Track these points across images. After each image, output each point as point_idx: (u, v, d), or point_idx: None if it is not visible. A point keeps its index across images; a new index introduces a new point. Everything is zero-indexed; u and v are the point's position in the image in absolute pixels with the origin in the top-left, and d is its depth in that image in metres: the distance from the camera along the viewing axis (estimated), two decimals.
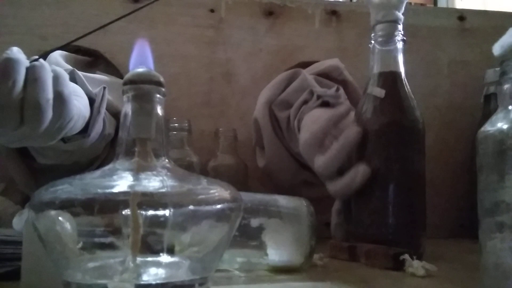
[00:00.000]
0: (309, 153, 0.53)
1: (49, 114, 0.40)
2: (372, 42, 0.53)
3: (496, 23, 0.82)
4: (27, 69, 0.39)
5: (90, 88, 0.50)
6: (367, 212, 0.50)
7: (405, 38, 0.52)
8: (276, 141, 0.65)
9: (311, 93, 0.61)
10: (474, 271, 0.33)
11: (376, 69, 0.52)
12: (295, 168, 0.64)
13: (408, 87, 0.52)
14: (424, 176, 0.51)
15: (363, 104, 0.52)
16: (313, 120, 0.55)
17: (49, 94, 0.40)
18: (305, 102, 0.61)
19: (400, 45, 0.52)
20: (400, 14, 0.52)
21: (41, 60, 0.40)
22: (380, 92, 0.50)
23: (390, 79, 0.51)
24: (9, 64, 0.37)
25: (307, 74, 0.66)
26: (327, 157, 0.51)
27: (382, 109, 0.50)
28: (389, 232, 0.49)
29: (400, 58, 0.52)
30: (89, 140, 0.49)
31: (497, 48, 0.34)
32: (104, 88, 0.50)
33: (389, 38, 0.51)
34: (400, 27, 0.52)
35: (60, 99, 0.41)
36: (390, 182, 0.49)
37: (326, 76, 0.67)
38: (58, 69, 0.42)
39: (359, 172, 0.49)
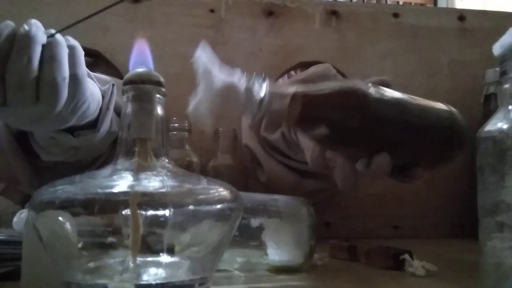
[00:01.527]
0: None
1: (64, 93, 0.40)
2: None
3: (496, 23, 0.82)
4: (43, 46, 0.39)
5: (99, 85, 0.50)
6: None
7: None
8: (271, 161, 0.64)
9: None
10: (474, 271, 0.33)
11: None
12: (296, 181, 0.64)
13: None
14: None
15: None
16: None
17: (65, 72, 0.40)
18: None
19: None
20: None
21: (58, 36, 0.40)
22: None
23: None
24: (25, 42, 0.37)
25: None
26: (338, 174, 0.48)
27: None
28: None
29: None
30: (98, 135, 0.50)
31: (497, 48, 0.34)
32: (113, 85, 0.51)
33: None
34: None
35: (74, 80, 0.41)
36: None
37: None
38: (73, 43, 0.41)
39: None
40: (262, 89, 0.40)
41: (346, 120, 0.41)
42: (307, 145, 0.50)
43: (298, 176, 0.63)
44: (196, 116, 0.40)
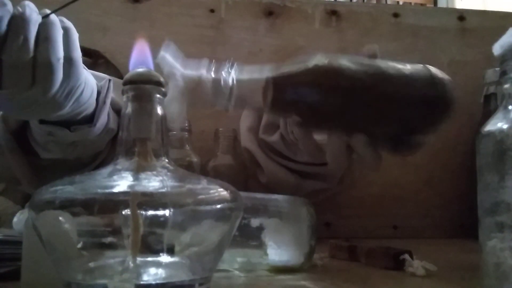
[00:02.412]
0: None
1: (59, 74, 0.40)
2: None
3: (496, 23, 0.82)
4: (39, 26, 0.39)
5: (96, 81, 0.50)
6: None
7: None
8: (270, 163, 0.64)
9: None
10: (474, 271, 0.33)
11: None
12: (297, 183, 0.63)
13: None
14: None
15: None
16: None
17: (60, 53, 0.40)
18: None
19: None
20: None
21: (52, 16, 0.40)
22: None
23: None
24: (20, 23, 0.38)
25: None
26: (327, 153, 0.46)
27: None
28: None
29: None
30: (94, 130, 0.50)
31: (497, 48, 0.34)
32: (110, 80, 0.51)
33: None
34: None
35: (69, 61, 0.41)
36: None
37: None
38: (68, 25, 0.42)
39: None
40: (230, 79, 0.40)
41: (320, 98, 0.40)
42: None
43: (299, 177, 0.63)
44: (168, 113, 0.40)
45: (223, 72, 0.40)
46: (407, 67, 0.44)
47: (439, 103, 0.44)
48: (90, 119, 0.49)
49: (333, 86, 0.41)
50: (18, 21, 0.38)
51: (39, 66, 0.39)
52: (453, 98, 0.44)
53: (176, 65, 0.39)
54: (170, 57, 0.39)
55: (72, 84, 0.42)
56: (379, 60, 0.43)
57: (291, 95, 0.41)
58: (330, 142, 0.44)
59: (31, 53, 0.39)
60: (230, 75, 0.40)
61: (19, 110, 0.43)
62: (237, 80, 0.40)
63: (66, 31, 0.42)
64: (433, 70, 0.44)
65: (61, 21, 0.42)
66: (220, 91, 0.39)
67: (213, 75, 0.40)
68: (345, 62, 0.41)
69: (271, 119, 0.62)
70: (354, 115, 0.42)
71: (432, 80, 0.44)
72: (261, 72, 0.41)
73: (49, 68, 0.39)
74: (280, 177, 0.64)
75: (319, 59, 0.42)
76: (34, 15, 0.39)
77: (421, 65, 0.45)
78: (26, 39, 0.38)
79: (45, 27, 0.39)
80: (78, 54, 0.42)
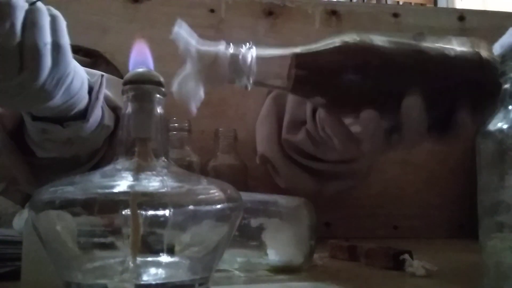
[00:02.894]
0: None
1: (47, 59, 0.40)
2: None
3: (496, 23, 0.82)
4: (26, 13, 0.39)
5: (88, 77, 0.50)
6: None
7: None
8: (290, 170, 0.61)
9: None
10: (474, 271, 0.33)
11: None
12: (317, 189, 0.61)
13: None
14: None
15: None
16: None
17: (47, 38, 0.40)
18: (314, 110, 0.53)
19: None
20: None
21: (39, 3, 0.40)
22: None
23: None
24: (6, 9, 0.38)
25: None
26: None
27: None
28: None
29: None
30: (88, 126, 0.50)
31: (497, 48, 0.34)
32: (102, 75, 0.51)
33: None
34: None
35: (57, 48, 0.41)
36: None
37: None
38: (55, 13, 0.42)
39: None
40: (249, 55, 0.38)
41: (354, 77, 0.38)
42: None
43: (320, 182, 0.61)
44: (181, 94, 0.38)
45: (241, 49, 0.38)
46: (453, 49, 0.41)
47: (485, 86, 0.39)
48: (84, 115, 0.49)
49: (363, 65, 0.37)
50: (4, 7, 0.38)
51: (27, 51, 0.39)
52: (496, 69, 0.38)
53: (192, 42, 0.38)
54: (185, 34, 0.38)
55: (61, 71, 0.42)
56: (425, 40, 0.40)
57: (317, 74, 0.38)
58: (366, 126, 0.39)
59: (18, 39, 0.39)
60: (250, 51, 0.38)
61: (9, 99, 0.43)
62: (257, 56, 0.37)
63: (53, 18, 0.42)
64: (483, 53, 0.41)
65: (48, 9, 0.42)
66: (239, 67, 0.37)
67: (231, 51, 0.38)
68: (379, 40, 0.38)
69: (295, 117, 0.58)
70: (387, 97, 0.38)
71: (480, 63, 0.40)
72: (283, 50, 0.39)
73: (37, 53, 0.39)
74: (300, 184, 0.61)
75: (349, 36, 0.39)
76: (20, 2, 0.39)
77: (470, 46, 0.41)
78: (12, 25, 0.38)
79: (32, 13, 0.40)
80: (66, 41, 0.42)
